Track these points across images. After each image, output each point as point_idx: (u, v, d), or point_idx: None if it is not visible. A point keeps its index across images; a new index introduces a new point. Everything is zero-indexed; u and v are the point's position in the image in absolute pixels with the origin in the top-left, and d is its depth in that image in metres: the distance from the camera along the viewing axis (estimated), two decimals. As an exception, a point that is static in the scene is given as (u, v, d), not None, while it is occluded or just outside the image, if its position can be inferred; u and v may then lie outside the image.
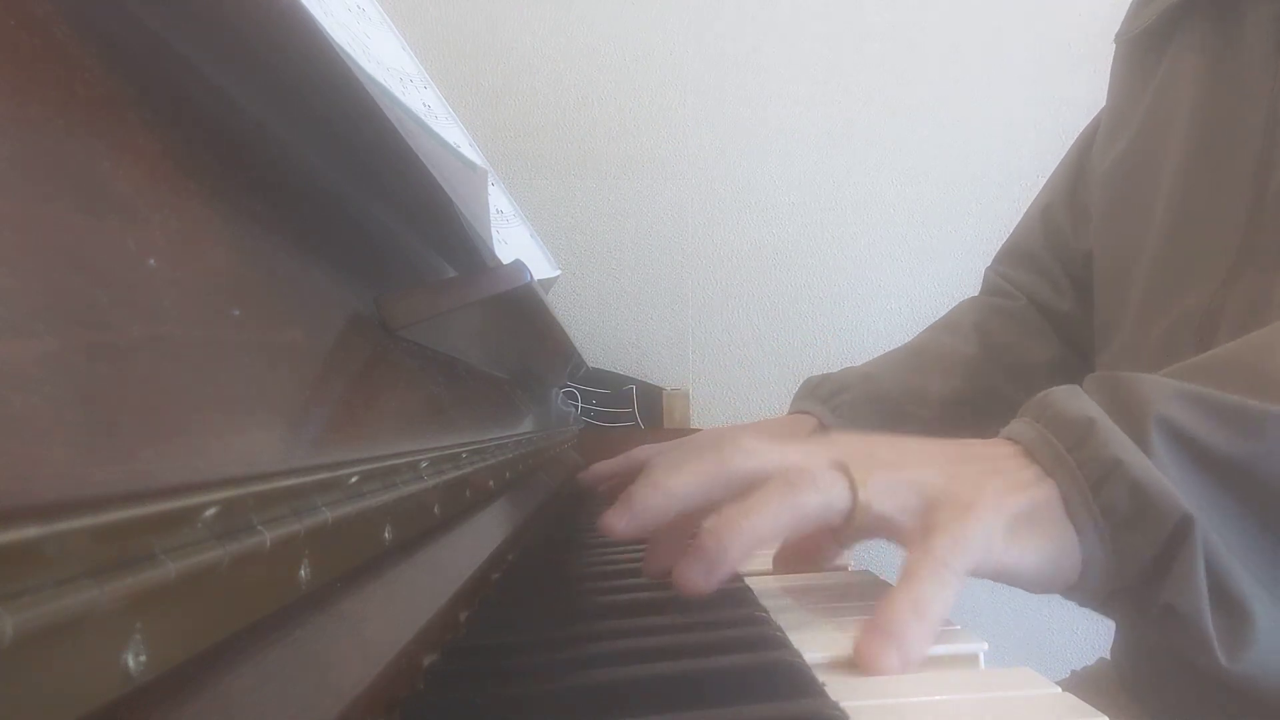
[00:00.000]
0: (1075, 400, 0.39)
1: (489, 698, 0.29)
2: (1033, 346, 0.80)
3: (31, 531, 0.13)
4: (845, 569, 0.51)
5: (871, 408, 0.78)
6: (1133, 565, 0.36)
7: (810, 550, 0.47)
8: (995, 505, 0.36)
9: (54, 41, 0.21)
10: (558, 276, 1.11)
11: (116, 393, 0.17)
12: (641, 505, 0.39)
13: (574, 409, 1.28)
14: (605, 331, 1.49)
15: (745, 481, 0.38)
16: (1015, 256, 0.86)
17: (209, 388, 0.21)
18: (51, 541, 0.14)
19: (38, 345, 0.16)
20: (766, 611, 0.38)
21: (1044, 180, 0.86)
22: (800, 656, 0.31)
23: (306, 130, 0.35)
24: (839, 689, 0.28)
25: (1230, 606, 0.35)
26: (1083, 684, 0.72)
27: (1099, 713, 0.26)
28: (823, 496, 0.37)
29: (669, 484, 0.39)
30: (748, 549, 0.36)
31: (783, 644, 0.33)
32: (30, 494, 0.14)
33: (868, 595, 0.43)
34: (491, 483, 0.53)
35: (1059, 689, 0.29)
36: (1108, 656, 0.74)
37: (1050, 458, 0.38)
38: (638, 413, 1.32)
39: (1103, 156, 0.70)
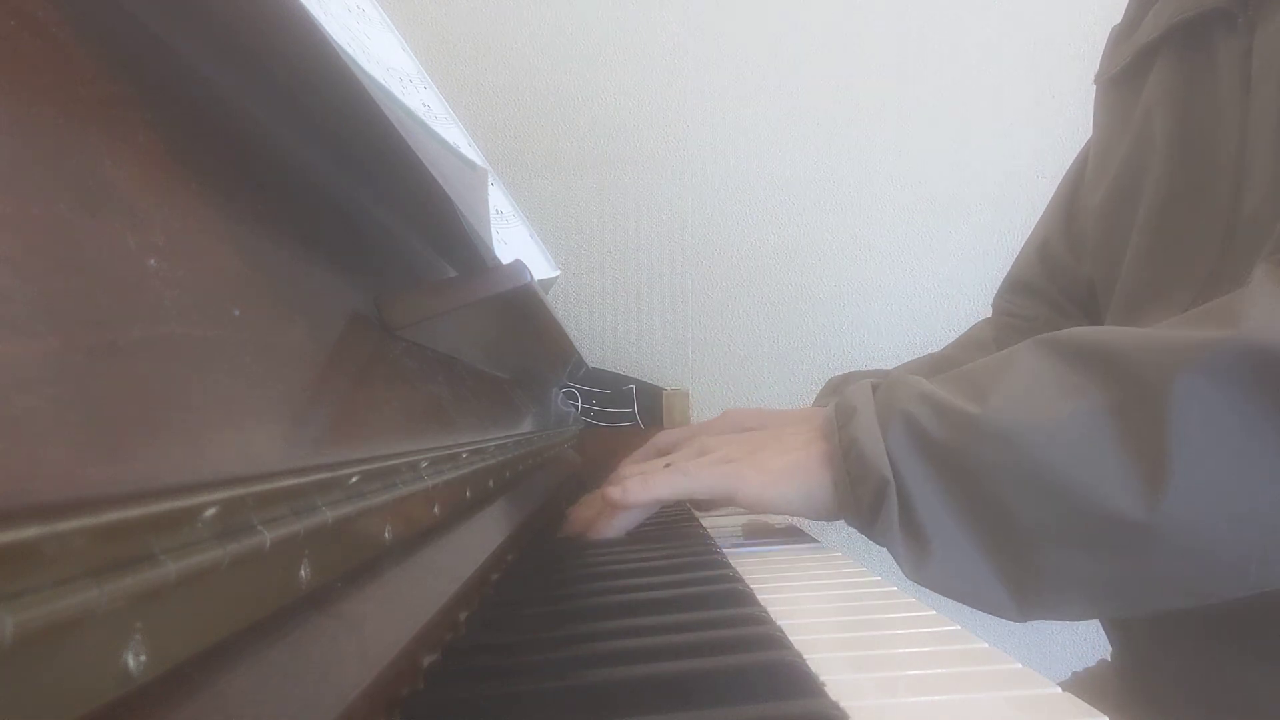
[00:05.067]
0: (856, 393, 0.56)
1: (489, 698, 0.29)
2: None
3: (31, 531, 0.13)
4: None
5: None
6: (858, 507, 0.53)
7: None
8: (754, 466, 0.58)
9: (54, 41, 0.20)
10: (558, 276, 1.11)
11: (116, 393, 0.17)
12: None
13: (574, 409, 1.28)
14: (605, 331, 1.49)
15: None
16: (1019, 289, 0.89)
17: (209, 388, 0.21)
18: (51, 541, 0.14)
19: (38, 345, 0.16)
20: (766, 610, 0.38)
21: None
22: (800, 657, 0.31)
23: (307, 130, 0.35)
24: (839, 689, 0.28)
25: (917, 536, 0.51)
26: (1083, 685, 0.72)
27: (1099, 713, 0.26)
28: (669, 488, 0.60)
29: None
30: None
31: (783, 644, 0.33)
32: (30, 494, 0.14)
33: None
34: (491, 483, 0.53)
35: (1059, 689, 0.29)
36: (1108, 658, 0.74)
37: (829, 429, 0.56)
38: (638, 413, 1.32)
39: (1093, 192, 0.72)
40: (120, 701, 0.16)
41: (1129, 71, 0.68)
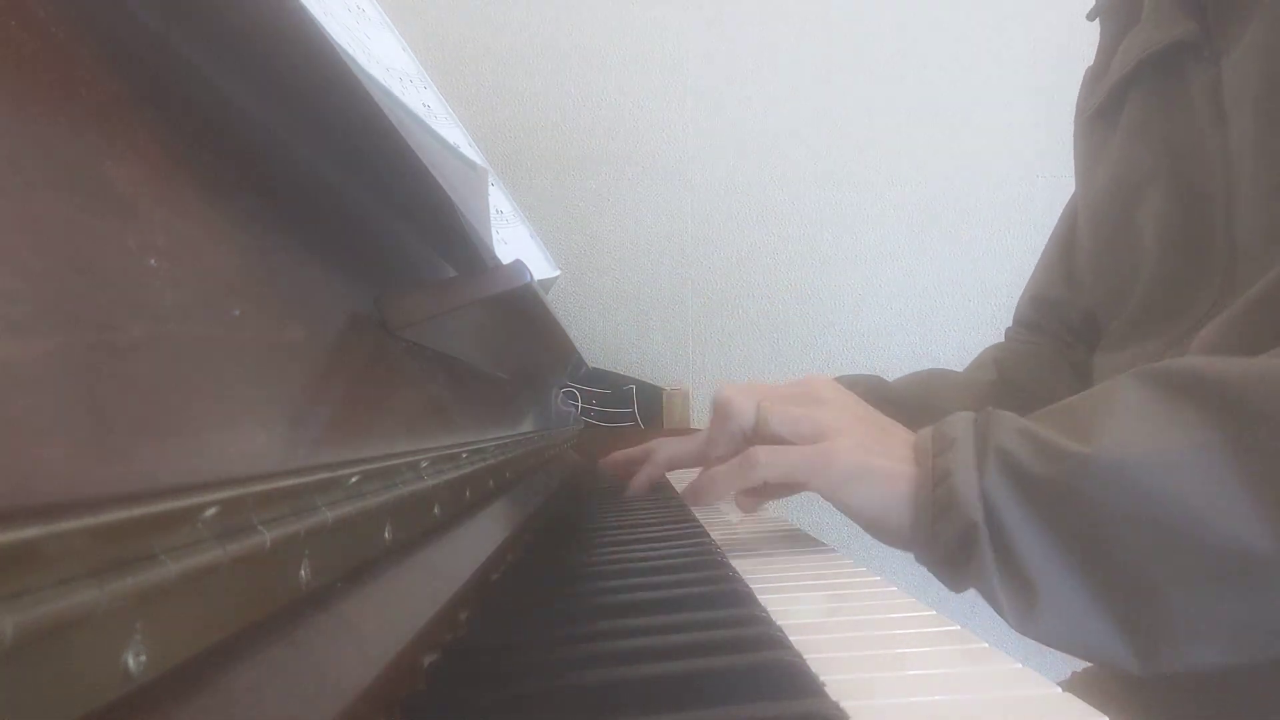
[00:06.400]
0: (958, 423, 0.52)
1: (489, 697, 0.29)
2: (1048, 380, 0.83)
3: (31, 531, 0.13)
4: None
5: (880, 409, 0.81)
6: (940, 546, 0.50)
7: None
8: (846, 451, 0.53)
9: (54, 41, 0.20)
10: (558, 276, 1.11)
11: (116, 393, 0.17)
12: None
13: (574, 409, 1.28)
14: (605, 331, 1.49)
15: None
16: (1023, 325, 0.92)
17: (209, 388, 0.21)
18: (51, 541, 0.14)
19: (38, 345, 0.16)
20: (766, 610, 0.38)
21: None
22: (800, 656, 0.31)
23: (307, 130, 0.35)
24: (839, 689, 0.28)
25: (1022, 585, 0.47)
26: (1083, 685, 0.73)
27: (1099, 713, 0.26)
28: (736, 421, 0.60)
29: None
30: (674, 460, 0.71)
31: (783, 644, 0.33)
32: (30, 494, 0.14)
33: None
34: (491, 483, 0.53)
35: (1059, 689, 0.29)
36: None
37: (922, 454, 0.52)
38: (638, 412, 1.32)
39: (1081, 221, 0.75)
40: (120, 701, 0.16)
41: (1104, 108, 0.70)
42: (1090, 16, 0.74)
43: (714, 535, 0.62)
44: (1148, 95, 0.65)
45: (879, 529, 0.53)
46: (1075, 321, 0.82)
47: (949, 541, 0.49)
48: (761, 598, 0.41)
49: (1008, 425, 0.50)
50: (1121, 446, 0.46)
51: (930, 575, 0.53)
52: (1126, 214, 0.66)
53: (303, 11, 0.26)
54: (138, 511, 0.16)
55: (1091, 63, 0.75)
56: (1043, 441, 0.48)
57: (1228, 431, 0.44)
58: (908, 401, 0.81)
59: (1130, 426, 0.47)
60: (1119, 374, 0.51)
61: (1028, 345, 0.87)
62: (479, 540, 0.47)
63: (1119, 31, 0.69)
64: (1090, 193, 0.72)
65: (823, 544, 0.61)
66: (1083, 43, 0.76)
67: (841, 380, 0.83)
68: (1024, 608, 0.47)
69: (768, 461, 0.54)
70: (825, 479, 0.53)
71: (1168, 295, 0.63)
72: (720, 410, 0.61)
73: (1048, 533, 0.46)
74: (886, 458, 0.53)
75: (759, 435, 0.57)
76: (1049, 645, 0.47)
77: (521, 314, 0.58)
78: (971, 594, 0.50)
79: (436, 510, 0.39)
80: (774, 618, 0.37)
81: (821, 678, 0.29)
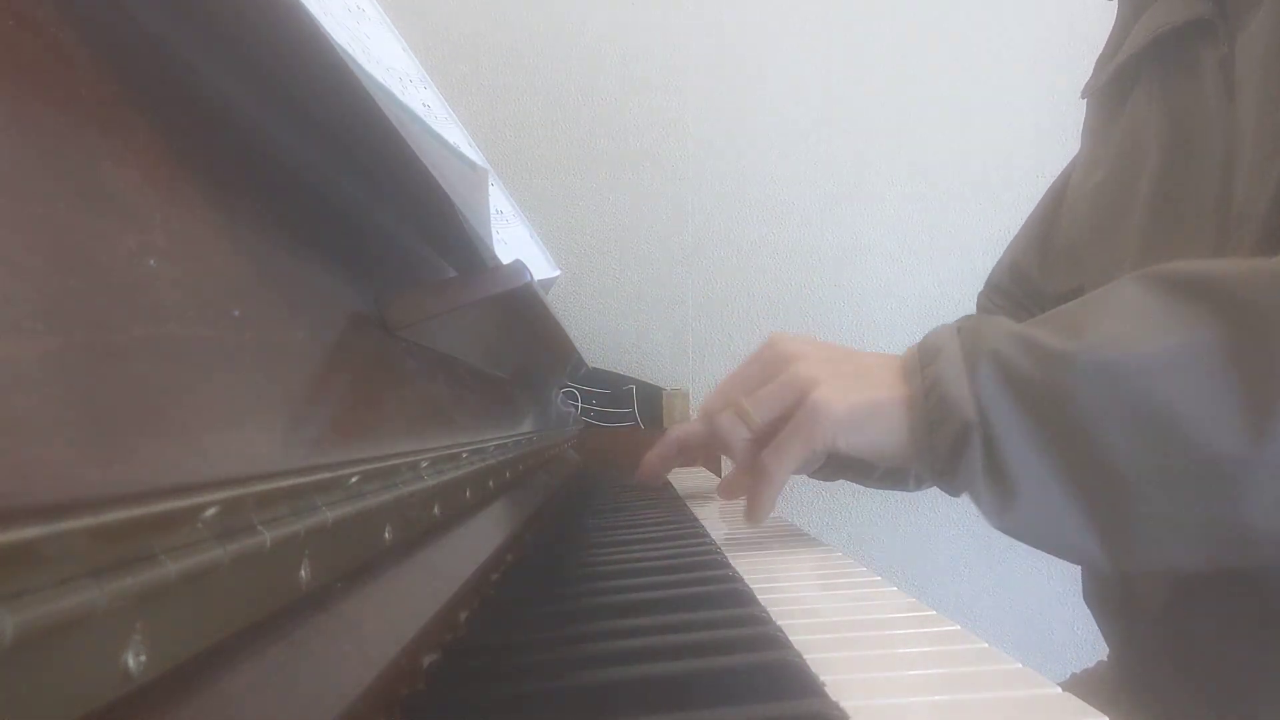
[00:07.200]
0: (941, 333, 0.53)
1: (489, 697, 0.29)
2: None
3: (31, 531, 0.13)
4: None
5: None
6: (934, 455, 0.50)
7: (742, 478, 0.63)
8: (829, 401, 0.53)
9: (54, 41, 0.20)
10: (558, 276, 1.11)
11: (116, 393, 0.17)
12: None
13: (574, 409, 1.28)
14: (605, 331, 1.49)
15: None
16: (994, 290, 0.93)
17: (209, 388, 0.21)
18: (51, 541, 0.14)
19: (38, 345, 0.16)
20: (766, 610, 0.38)
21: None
22: (801, 656, 0.31)
23: (307, 130, 0.35)
24: (839, 689, 0.28)
25: (1001, 483, 0.48)
26: (1083, 685, 0.73)
27: (1099, 713, 0.26)
28: (735, 434, 0.60)
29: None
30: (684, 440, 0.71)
31: (783, 644, 0.33)
32: (30, 494, 0.14)
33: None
34: (491, 483, 0.53)
35: (1059, 689, 0.29)
36: (1106, 659, 0.74)
37: (911, 371, 0.53)
38: (638, 413, 1.32)
39: (1079, 192, 0.74)
40: (120, 701, 0.16)
41: (1114, 84, 0.70)
42: None
43: (714, 535, 0.62)
44: (1160, 72, 0.65)
45: (884, 455, 0.53)
46: (1041, 299, 0.82)
47: (942, 446, 0.50)
48: (762, 598, 0.41)
49: (999, 329, 0.51)
50: (1110, 344, 0.46)
51: (930, 575, 0.53)
52: (1128, 185, 0.66)
53: (302, 11, 0.26)
54: (138, 511, 0.16)
55: (1100, 53, 0.75)
56: (1033, 342, 0.48)
57: (1231, 331, 0.43)
58: None
59: (1122, 325, 0.47)
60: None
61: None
62: (479, 540, 0.47)
63: (1134, 13, 0.70)
64: (1094, 168, 0.72)
65: (822, 543, 0.61)
66: (1084, 42, 0.76)
67: None
68: (1002, 505, 0.48)
69: (776, 466, 0.56)
70: (824, 436, 0.53)
71: (1159, 257, 0.63)
72: (717, 435, 0.61)
73: (1033, 432, 0.47)
74: (872, 388, 0.53)
75: (754, 433, 0.59)
76: (1022, 541, 0.49)
77: (521, 314, 0.58)
78: (971, 594, 0.51)
79: (436, 510, 0.39)
80: (774, 618, 0.37)
81: (821, 678, 0.29)
